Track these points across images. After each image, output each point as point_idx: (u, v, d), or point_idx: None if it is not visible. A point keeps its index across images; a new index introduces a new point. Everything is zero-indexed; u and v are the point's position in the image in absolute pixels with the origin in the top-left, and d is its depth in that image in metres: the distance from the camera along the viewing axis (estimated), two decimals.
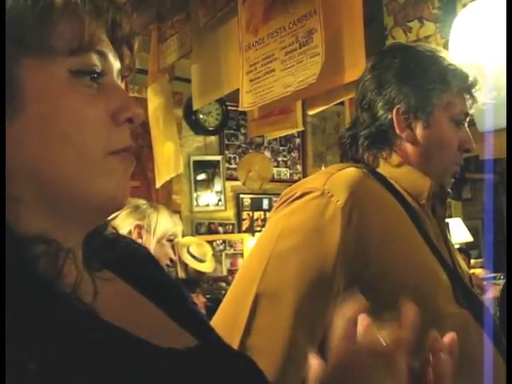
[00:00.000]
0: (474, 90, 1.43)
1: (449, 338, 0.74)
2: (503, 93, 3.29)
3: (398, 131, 1.40)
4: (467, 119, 1.46)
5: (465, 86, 1.41)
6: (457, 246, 6.06)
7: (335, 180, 1.28)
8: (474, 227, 6.90)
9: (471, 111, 1.46)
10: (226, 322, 1.23)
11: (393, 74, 1.40)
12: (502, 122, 3.33)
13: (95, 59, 0.65)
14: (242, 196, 6.23)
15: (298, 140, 6.61)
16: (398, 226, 1.33)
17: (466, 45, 3.27)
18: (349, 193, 1.25)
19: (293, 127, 3.22)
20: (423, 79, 1.39)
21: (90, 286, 0.65)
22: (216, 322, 1.20)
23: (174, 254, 2.58)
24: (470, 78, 1.42)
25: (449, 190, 1.46)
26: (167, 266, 2.44)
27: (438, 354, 0.71)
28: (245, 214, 6.22)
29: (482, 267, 5.62)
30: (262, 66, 2.36)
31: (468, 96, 1.43)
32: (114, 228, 0.79)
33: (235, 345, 1.14)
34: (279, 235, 1.25)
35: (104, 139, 0.65)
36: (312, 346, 1.10)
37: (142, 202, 2.49)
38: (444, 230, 1.47)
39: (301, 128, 3.31)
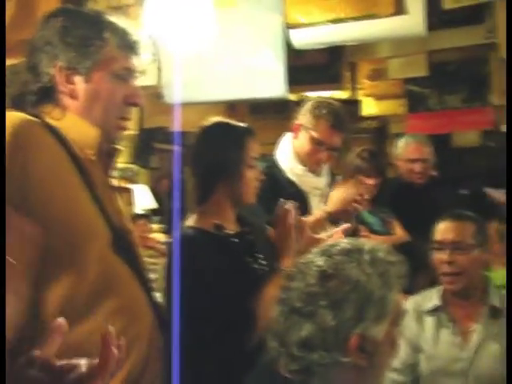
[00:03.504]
0: (137, 49, 1.52)
1: None
2: (193, 69, 3.51)
3: (60, 87, 1.45)
4: (134, 75, 1.55)
5: (126, 43, 1.50)
6: (141, 212, 6.29)
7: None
8: (157, 194, 7.24)
9: (141, 68, 1.56)
10: None
11: (54, 33, 1.45)
12: (191, 97, 3.57)
13: None
14: None
15: None
16: (60, 171, 1.38)
17: (157, 18, 3.43)
18: (12, 133, 1.30)
19: None
20: (82, 37, 1.45)
21: None
22: None
23: None
24: (132, 37, 1.51)
25: (118, 145, 1.55)
26: None
27: None
28: None
29: (163, 232, 5.94)
30: None
31: (132, 54, 1.52)
32: None
33: None
34: None
35: None
36: None
37: None
38: (111, 183, 1.57)
39: None
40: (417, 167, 3.37)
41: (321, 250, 1.18)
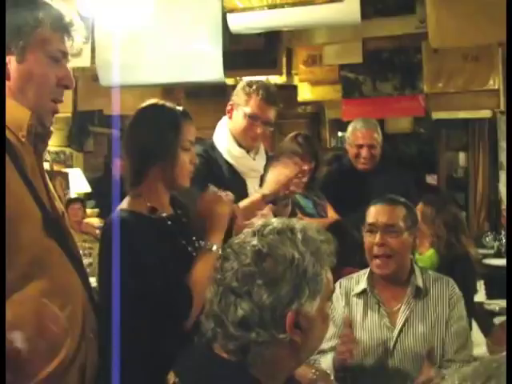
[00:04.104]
0: (70, 31, 1.50)
1: None
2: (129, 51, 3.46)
3: None
4: (68, 57, 1.52)
5: (60, 24, 1.47)
6: (74, 196, 6.17)
7: None
8: (93, 179, 7.12)
9: (75, 50, 1.54)
10: None
11: None
12: (127, 80, 3.52)
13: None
14: None
15: None
16: None
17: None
18: None
19: None
20: (15, 17, 1.41)
21: None
22: None
23: None
24: (66, 19, 1.49)
25: (50, 127, 1.52)
26: None
27: None
28: None
29: (98, 216, 5.86)
30: None
31: (65, 35, 1.49)
32: None
33: None
34: None
35: None
36: None
37: None
38: (42, 166, 1.55)
39: None
40: (363, 152, 3.43)
41: (253, 230, 1.20)
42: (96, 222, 5.47)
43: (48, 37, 1.45)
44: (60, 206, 1.59)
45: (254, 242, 1.16)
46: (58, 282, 1.43)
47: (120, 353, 1.55)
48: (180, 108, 1.89)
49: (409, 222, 2.15)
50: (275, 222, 1.21)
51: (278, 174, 2.48)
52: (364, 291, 2.18)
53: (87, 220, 5.58)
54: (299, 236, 1.17)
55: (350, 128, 3.60)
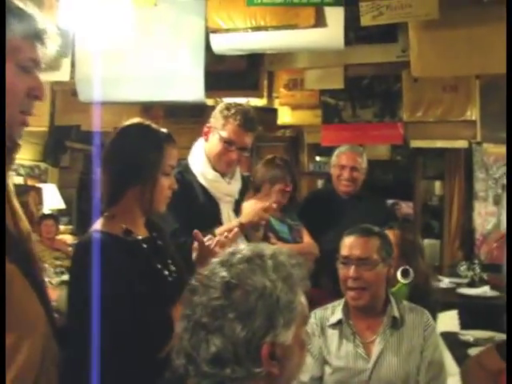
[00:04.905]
0: (43, 39, 1.39)
1: None
2: (114, 68, 3.43)
3: None
4: (40, 66, 1.42)
5: (32, 31, 1.38)
6: (49, 212, 6.06)
7: None
8: (68, 195, 7.02)
9: (47, 60, 1.44)
10: None
11: None
12: (106, 96, 3.48)
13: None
14: None
15: None
16: None
17: (74, 12, 3.33)
18: None
19: None
20: None
21: None
22: None
23: None
24: (39, 26, 1.39)
25: (18, 141, 1.43)
26: None
27: None
28: None
29: (71, 233, 5.76)
30: None
31: (38, 43, 1.39)
32: None
33: None
34: None
35: None
36: None
37: None
38: (8, 181, 1.45)
39: None
40: (345, 173, 3.43)
41: (221, 259, 1.14)
42: (69, 239, 5.38)
43: (18, 45, 1.35)
44: (26, 226, 1.50)
45: (223, 273, 1.10)
46: (19, 311, 1.34)
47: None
48: (164, 130, 1.84)
49: (383, 253, 2.12)
50: (244, 249, 1.15)
51: (256, 202, 2.46)
52: (339, 322, 2.14)
53: (60, 237, 5.48)
54: (269, 263, 1.11)
55: (335, 151, 3.63)
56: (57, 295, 2.76)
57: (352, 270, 2.09)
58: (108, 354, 1.54)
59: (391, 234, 3.43)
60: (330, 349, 2.12)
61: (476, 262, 5.97)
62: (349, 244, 2.14)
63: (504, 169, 6.75)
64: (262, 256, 1.13)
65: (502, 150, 6.36)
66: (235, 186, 2.59)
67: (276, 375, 1.08)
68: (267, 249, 1.16)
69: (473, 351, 2.85)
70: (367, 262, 2.09)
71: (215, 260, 1.15)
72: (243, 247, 1.17)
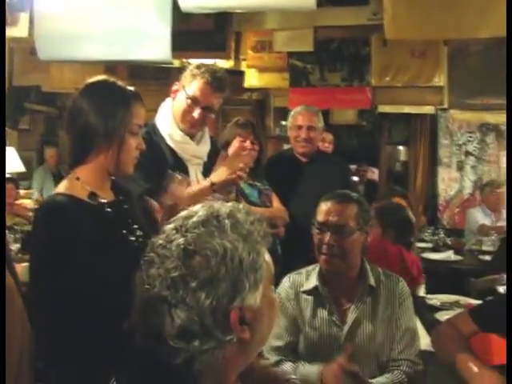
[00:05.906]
0: None
1: None
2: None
3: None
4: None
5: None
6: (8, 176, 5.87)
7: None
8: (27, 158, 6.81)
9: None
10: None
11: None
12: (67, 54, 3.33)
13: None
14: None
15: None
16: None
17: None
18: None
19: None
20: None
21: None
22: None
23: None
24: None
25: None
26: None
27: None
28: None
29: (30, 198, 5.61)
30: None
31: None
32: None
33: None
34: None
35: None
36: None
37: None
38: None
39: None
40: (302, 134, 3.38)
41: (175, 225, 1.04)
42: (29, 203, 5.23)
43: None
44: None
45: (179, 240, 1.00)
46: None
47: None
48: (132, 88, 1.75)
49: (360, 221, 2.07)
50: (198, 211, 1.07)
51: (229, 162, 2.38)
52: (315, 288, 2.10)
53: (20, 201, 5.32)
54: (227, 223, 1.03)
55: (291, 113, 3.58)
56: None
57: (328, 237, 2.04)
58: (70, 321, 1.48)
59: (404, 202, 3.44)
60: (303, 314, 2.09)
61: (439, 227, 6.07)
62: (326, 210, 2.08)
63: (467, 136, 6.83)
64: (218, 216, 1.04)
65: (467, 116, 6.41)
66: (204, 148, 2.51)
67: (248, 340, 1.03)
68: (223, 207, 1.08)
69: (440, 315, 2.88)
70: (344, 230, 2.04)
71: (169, 226, 1.06)
72: (197, 208, 1.08)
